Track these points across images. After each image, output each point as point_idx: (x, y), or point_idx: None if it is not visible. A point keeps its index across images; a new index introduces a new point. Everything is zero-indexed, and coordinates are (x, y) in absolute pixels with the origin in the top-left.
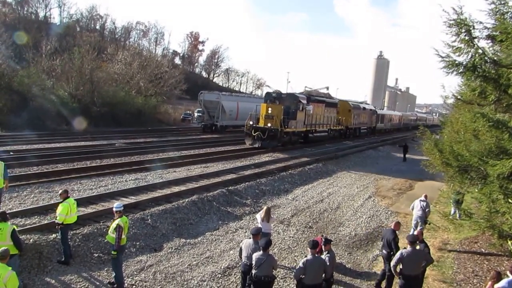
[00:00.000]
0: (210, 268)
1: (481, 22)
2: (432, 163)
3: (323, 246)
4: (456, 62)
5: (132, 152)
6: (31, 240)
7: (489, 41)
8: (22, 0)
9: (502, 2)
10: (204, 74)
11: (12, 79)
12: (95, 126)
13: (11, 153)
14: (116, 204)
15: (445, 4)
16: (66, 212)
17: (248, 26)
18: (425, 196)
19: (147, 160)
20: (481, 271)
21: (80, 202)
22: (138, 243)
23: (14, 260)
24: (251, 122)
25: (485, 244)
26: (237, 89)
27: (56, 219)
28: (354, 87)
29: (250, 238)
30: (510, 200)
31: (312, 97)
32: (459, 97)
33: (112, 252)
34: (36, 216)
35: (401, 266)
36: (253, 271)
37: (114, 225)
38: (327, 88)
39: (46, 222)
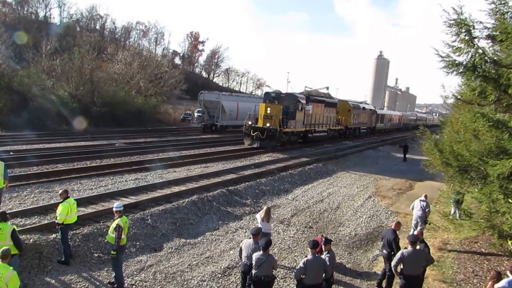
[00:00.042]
0: (210, 268)
1: (481, 22)
2: (432, 163)
3: (323, 246)
4: (456, 62)
5: (132, 152)
6: (31, 240)
7: (489, 41)
8: (22, 0)
9: (502, 2)
10: (204, 74)
11: (12, 79)
12: (95, 126)
13: (11, 153)
14: (116, 204)
15: (445, 4)
16: (67, 212)
17: (248, 26)
18: (425, 196)
19: (147, 160)
20: (481, 271)
21: (80, 202)
22: (138, 243)
23: (14, 260)
24: (250, 122)
25: (485, 244)
26: (237, 89)
27: (56, 219)
28: (354, 87)
29: (250, 238)
30: (510, 200)
31: (312, 97)
32: (459, 97)
33: (112, 252)
34: (36, 216)
35: (401, 266)
36: (253, 271)
37: (114, 225)
38: (327, 88)
39: (46, 222)
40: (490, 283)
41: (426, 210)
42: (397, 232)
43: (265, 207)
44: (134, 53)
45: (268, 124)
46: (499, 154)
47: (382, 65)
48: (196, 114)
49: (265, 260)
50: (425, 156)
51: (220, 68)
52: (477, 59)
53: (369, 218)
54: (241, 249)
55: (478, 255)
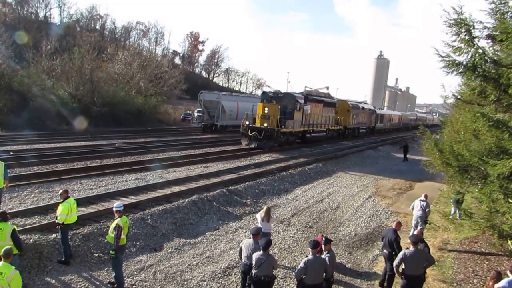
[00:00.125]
0: (210, 268)
1: (481, 22)
2: (432, 163)
3: (323, 246)
4: (456, 61)
5: (132, 152)
6: (31, 240)
7: (489, 40)
8: (22, 0)
9: (502, 2)
10: (204, 74)
11: (12, 79)
12: (95, 126)
13: (11, 153)
14: (116, 204)
15: (445, 4)
16: (67, 212)
17: (248, 26)
18: (425, 196)
19: (147, 160)
20: (481, 271)
21: (80, 202)
22: (138, 243)
23: (14, 260)
24: (247, 122)
25: (485, 244)
26: (237, 89)
27: (56, 219)
28: (354, 87)
29: (250, 238)
30: (510, 200)
31: (310, 96)
32: (459, 96)
33: (111, 252)
34: (36, 216)
35: (403, 266)
36: (253, 271)
37: (114, 225)
38: (327, 88)
39: (46, 222)
40: (490, 283)
41: (426, 210)
42: (398, 232)
43: (265, 207)
44: (134, 53)
45: (265, 124)
46: (499, 154)
47: (382, 65)
48: (196, 114)
49: (265, 260)
50: (425, 156)
51: (220, 68)
52: (477, 59)
53: (369, 218)
54: (241, 249)
55: (478, 255)
